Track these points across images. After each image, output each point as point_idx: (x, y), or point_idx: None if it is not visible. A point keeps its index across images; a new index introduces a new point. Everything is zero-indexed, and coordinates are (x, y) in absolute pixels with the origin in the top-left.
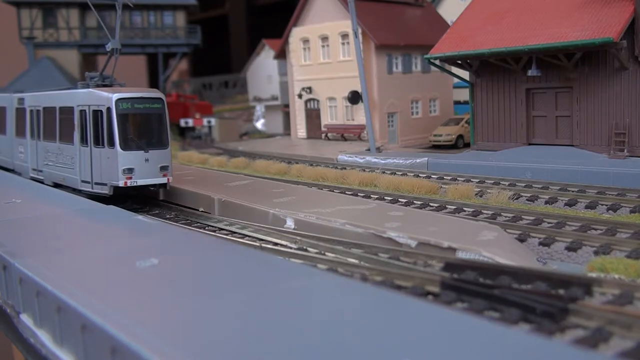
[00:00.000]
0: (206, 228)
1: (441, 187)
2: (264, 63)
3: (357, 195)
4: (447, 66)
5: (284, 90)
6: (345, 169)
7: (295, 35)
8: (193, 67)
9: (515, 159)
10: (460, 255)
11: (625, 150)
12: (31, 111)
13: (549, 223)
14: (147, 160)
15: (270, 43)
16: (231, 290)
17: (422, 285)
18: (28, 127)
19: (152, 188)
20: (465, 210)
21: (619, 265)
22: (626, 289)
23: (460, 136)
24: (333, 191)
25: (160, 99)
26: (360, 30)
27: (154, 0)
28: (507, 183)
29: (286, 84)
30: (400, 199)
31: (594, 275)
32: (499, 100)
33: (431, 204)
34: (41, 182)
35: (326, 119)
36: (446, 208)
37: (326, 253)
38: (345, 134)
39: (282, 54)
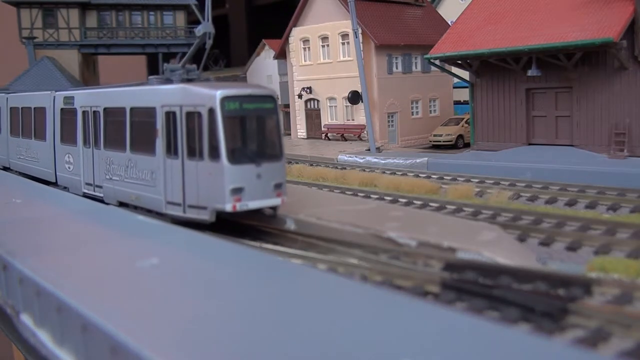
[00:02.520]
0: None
1: (441, 187)
2: (264, 63)
3: (357, 195)
4: (447, 66)
5: (284, 90)
6: (345, 169)
7: (295, 35)
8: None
9: (515, 159)
10: (460, 255)
11: (625, 150)
12: (84, 112)
13: (549, 223)
14: (259, 176)
15: (270, 43)
16: (231, 290)
17: (422, 285)
18: (80, 132)
19: (270, 211)
20: (465, 210)
21: (619, 265)
22: (626, 289)
23: (460, 136)
24: (333, 191)
25: (272, 97)
26: (360, 30)
27: (154, 0)
28: (507, 183)
29: (286, 84)
30: (400, 199)
31: (594, 275)
32: (499, 100)
33: (431, 204)
34: (100, 200)
35: (326, 119)
36: (446, 208)
37: (326, 253)
38: (345, 134)
39: (282, 54)
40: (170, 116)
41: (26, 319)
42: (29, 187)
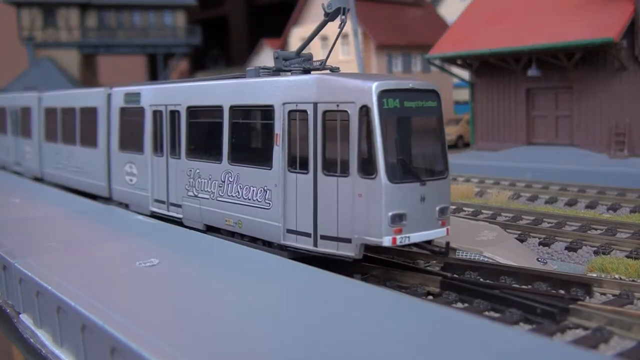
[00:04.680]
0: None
1: None
2: (264, 63)
3: None
4: (447, 66)
5: None
6: None
7: (295, 35)
8: (193, 67)
9: (515, 159)
10: (461, 255)
11: (625, 150)
12: (156, 113)
13: (549, 223)
14: (422, 199)
15: (270, 43)
16: (231, 290)
17: (422, 285)
18: (149, 137)
19: (439, 247)
20: (465, 210)
21: (619, 265)
22: (626, 289)
23: (460, 136)
24: None
25: (437, 92)
26: (360, 30)
27: (154, 0)
28: (507, 183)
29: None
30: None
31: (594, 275)
32: (499, 100)
33: None
34: (178, 222)
35: None
36: None
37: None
38: None
39: None
40: (298, 117)
41: (26, 319)
42: (29, 187)
